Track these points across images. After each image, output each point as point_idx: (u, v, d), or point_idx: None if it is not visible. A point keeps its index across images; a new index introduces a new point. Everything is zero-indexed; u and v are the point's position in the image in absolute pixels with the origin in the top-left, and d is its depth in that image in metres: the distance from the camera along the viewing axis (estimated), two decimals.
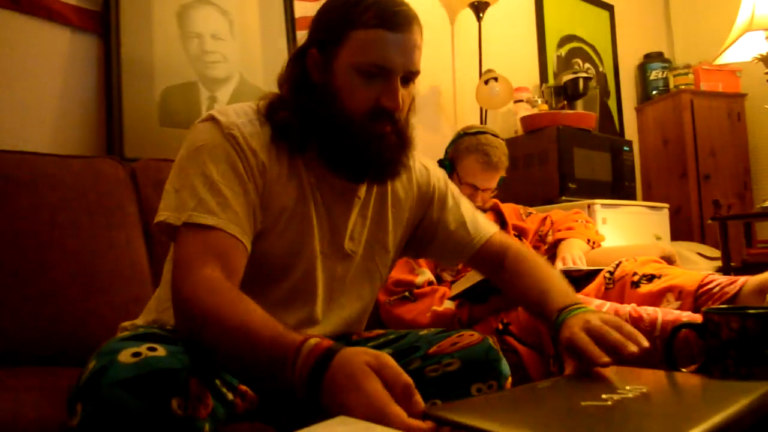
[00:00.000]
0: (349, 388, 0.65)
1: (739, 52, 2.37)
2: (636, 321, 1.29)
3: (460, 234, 1.19)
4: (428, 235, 1.20)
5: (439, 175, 1.22)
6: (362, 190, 1.08)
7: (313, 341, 0.70)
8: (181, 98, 1.89)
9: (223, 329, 0.76)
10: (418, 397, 0.66)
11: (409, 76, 0.99)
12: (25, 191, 1.36)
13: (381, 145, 0.98)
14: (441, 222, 1.19)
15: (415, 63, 0.99)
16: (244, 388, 0.92)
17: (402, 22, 0.96)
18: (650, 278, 1.53)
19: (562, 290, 1.05)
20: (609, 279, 1.61)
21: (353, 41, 0.95)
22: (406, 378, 0.66)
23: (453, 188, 1.23)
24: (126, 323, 1.05)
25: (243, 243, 0.91)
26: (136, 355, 0.70)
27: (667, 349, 0.93)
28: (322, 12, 1.02)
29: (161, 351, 0.72)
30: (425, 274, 1.75)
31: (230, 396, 0.85)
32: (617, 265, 1.63)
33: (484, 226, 1.22)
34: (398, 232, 1.16)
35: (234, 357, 0.77)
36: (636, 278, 1.55)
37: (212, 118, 0.96)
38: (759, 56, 2.32)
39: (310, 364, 0.68)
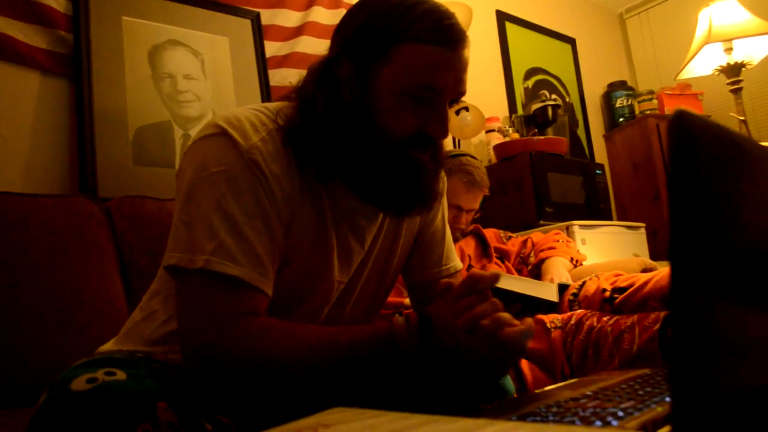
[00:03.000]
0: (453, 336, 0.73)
1: (700, 66, 2.42)
2: (641, 318, 1.26)
3: (438, 253, 1.08)
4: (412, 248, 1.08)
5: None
6: (380, 216, 0.96)
7: (401, 319, 0.77)
8: (155, 137, 1.88)
9: (306, 353, 0.75)
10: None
11: (457, 98, 0.86)
12: None
13: (418, 172, 0.85)
14: (427, 235, 1.08)
15: (465, 84, 0.86)
16: (225, 419, 0.82)
17: (458, 37, 0.83)
18: (622, 291, 1.50)
19: None
20: (573, 300, 1.58)
21: (402, 56, 0.81)
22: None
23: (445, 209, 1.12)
24: (103, 347, 0.94)
25: (265, 293, 0.79)
26: (91, 381, 0.63)
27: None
28: (359, 17, 0.86)
29: (121, 375, 0.66)
30: None
31: (209, 427, 0.77)
32: (581, 286, 1.60)
33: (457, 258, 1.12)
34: (403, 257, 1.04)
35: (325, 373, 0.76)
36: (607, 294, 1.51)
37: (225, 133, 0.80)
38: (719, 68, 2.36)
39: (415, 335, 0.75)
